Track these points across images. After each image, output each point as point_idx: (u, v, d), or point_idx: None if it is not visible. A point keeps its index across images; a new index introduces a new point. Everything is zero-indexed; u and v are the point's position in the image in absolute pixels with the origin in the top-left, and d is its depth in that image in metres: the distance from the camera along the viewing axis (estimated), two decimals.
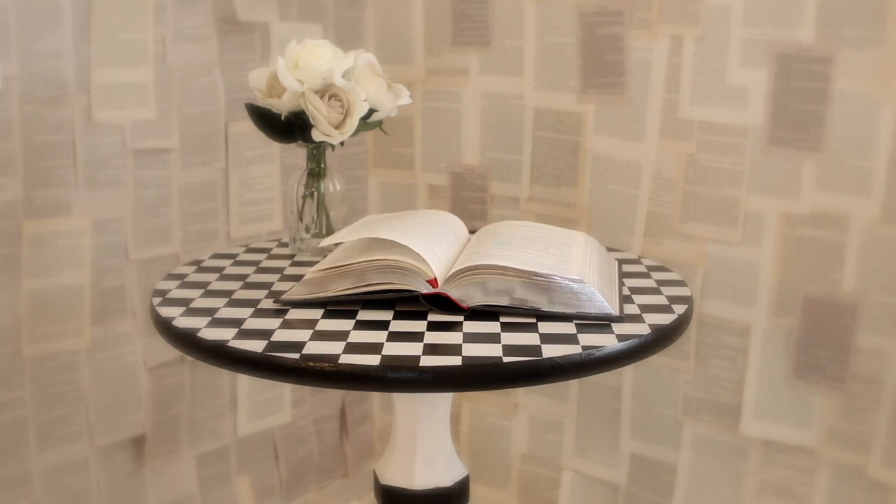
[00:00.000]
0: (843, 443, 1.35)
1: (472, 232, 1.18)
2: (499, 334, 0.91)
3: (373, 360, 0.84)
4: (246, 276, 1.13)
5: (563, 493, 1.64)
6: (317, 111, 1.10)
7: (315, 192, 1.21)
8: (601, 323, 0.94)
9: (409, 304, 0.97)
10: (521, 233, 1.08)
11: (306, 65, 1.11)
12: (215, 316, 0.97)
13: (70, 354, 1.40)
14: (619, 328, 0.93)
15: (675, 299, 1.04)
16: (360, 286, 0.96)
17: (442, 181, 1.71)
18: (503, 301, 0.95)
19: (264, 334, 0.91)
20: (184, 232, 1.52)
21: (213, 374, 1.58)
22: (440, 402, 1.07)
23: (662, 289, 1.09)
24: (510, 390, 1.69)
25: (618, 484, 1.59)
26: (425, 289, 0.94)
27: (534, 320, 0.94)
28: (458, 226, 1.15)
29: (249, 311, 0.98)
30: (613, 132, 1.50)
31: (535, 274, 0.94)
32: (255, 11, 1.55)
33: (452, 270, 0.96)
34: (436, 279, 0.95)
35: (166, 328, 0.96)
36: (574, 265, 0.99)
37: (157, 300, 1.03)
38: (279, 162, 1.64)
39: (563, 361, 0.85)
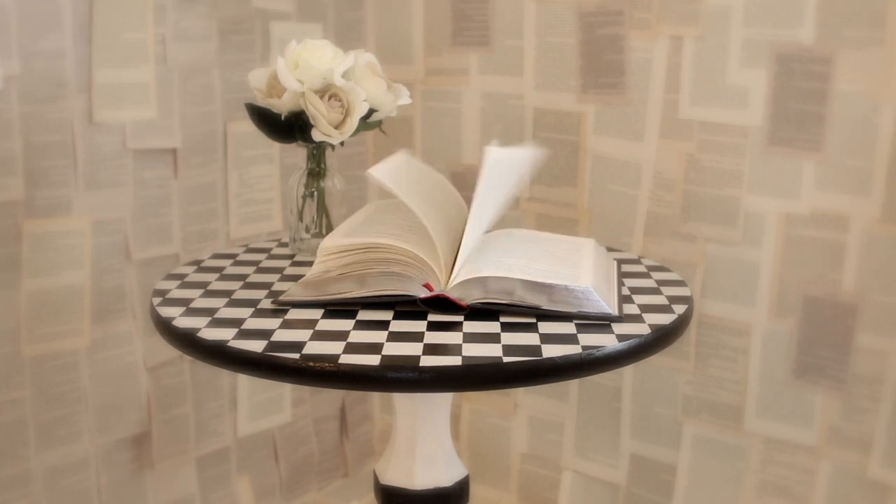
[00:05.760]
0: (844, 443, 1.36)
1: None
2: (499, 334, 0.91)
3: (373, 360, 0.84)
4: (246, 276, 1.13)
5: (563, 493, 1.64)
6: (317, 111, 1.10)
7: (315, 192, 1.21)
8: (601, 323, 0.94)
9: (409, 304, 0.97)
10: (525, 243, 1.08)
11: (306, 65, 1.11)
12: (215, 316, 0.97)
13: (70, 354, 1.40)
14: (619, 328, 0.93)
15: (675, 299, 1.04)
16: (359, 292, 0.96)
17: None
18: (503, 299, 0.95)
19: (264, 334, 0.91)
20: (184, 232, 1.52)
21: (213, 374, 1.58)
22: (440, 402, 1.07)
23: (662, 289, 1.09)
24: (510, 390, 1.69)
25: (618, 484, 1.59)
26: (423, 293, 0.94)
27: (534, 320, 0.94)
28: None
29: (249, 311, 0.98)
30: (613, 132, 1.50)
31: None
32: (270, 1, 1.56)
33: (455, 281, 0.96)
34: (430, 284, 0.95)
35: (166, 328, 0.96)
36: (578, 272, 0.99)
37: (157, 300, 1.03)
38: (279, 162, 1.64)
39: (563, 361, 0.85)
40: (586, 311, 0.95)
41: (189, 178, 1.52)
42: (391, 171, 1.01)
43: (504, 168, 1.04)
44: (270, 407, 1.69)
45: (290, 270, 1.15)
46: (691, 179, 1.43)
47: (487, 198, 1.00)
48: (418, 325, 0.93)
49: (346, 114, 1.12)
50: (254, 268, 1.16)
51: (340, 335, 0.90)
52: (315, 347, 0.87)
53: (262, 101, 1.15)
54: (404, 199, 0.97)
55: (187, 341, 0.92)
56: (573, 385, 1.61)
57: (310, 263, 1.15)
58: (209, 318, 0.96)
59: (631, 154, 1.49)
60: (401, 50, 1.71)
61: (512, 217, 1.63)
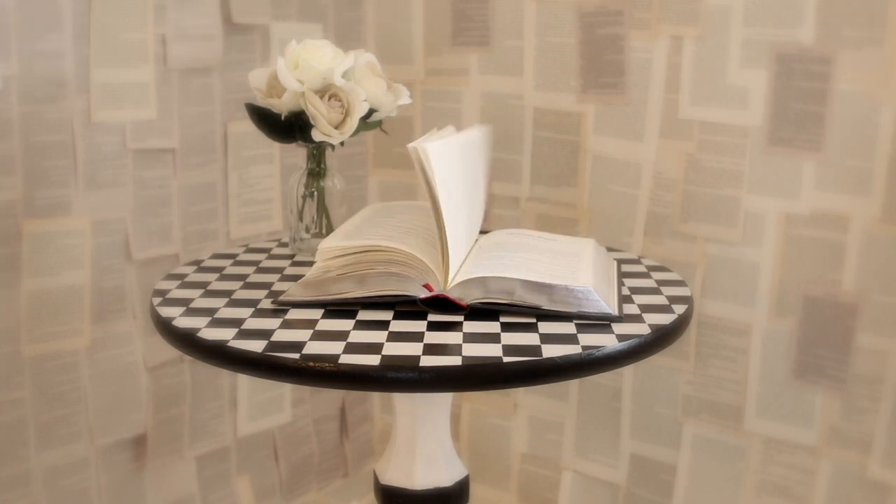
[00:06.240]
0: (844, 442, 1.36)
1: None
2: (499, 334, 0.91)
3: (373, 360, 0.84)
4: (246, 276, 1.13)
5: (563, 493, 1.64)
6: (317, 111, 1.10)
7: (315, 192, 1.21)
8: (601, 323, 0.94)
9: (409, 304, 0.97)
10: (525, 243, 1.08)
11: (306, 65, 1.11)
12: (215, 316, 0.97)
13: (70, 354, 1.40)
14: (619, 328, 0.93)
15: (675, 299, 1.04)
16: (359, 292, 0.96)
17: None
18: (503, 299, 0.95)
19: (264, 334, 0.91)
20: (184, 232, 1.52)
21: (213, 374, 1.58)
22: (440, 402, 1.07)
23: (662, 289, 1.09)
24: (510, 390, 1.69)
25: (618, 484, 1.59)
26: (423, 293, 0.94)
27: (534, 320, 0.94)
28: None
29: (249, 311, 0.98)
30: (613, 132, 1.50)
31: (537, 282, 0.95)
32: (251, 14, 1.55)
33: (455, 282, 0.96)
34: (430, 284, 0.95)
35: (166, 328, 0.96)
36: (577, 272, 0.99)
37: (157, 300, 1.03)
38: (279, 162, 1.64)
39: (563, 361, 0.85)
40: (586, 311, 0.95)
41: (189, 178, 1.52)
42: (441, 157, 0.94)
43: (455, 159, 1.02)
44: (270, 407, 1.69)
45: (290, 270, 1.15)
46: (691, 179, 1.43)
47: (454, 196, 0.98)
48: (418, 325, 0.93)
49: (346, 114, 1.12)
50: (254, 268, 1.16)
51: (340, 335, 0.90)
52: (315, 347, 0.87)
53: (262, 101, 1.15)
54: (438, 191, 0.92)
55: (187, 341, 0.92)
56: (573, 385, 1.61)
57: (310, 263, 1.15)
58: (209, 318, 0.96)
59: (631, 154, 1.49)
60: (401, 50, 1.71)
61: (512, 217, 1.63)
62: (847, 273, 1.32)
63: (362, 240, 0.99)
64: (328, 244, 1.00)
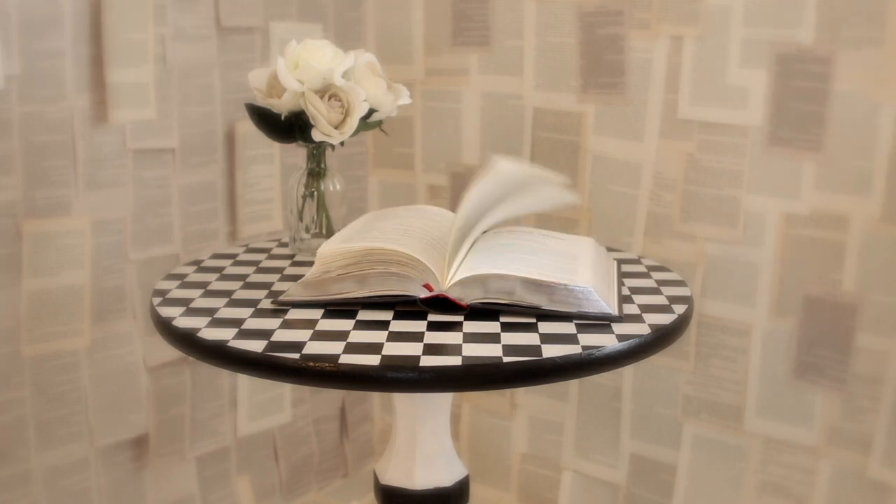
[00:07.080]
0: (844, 442, 1.36)
1: None
2: (499, 334, 0.90)
3: (373, 360, 0.84)
4: (246, 276, 1.13)
5: (563, 493, 1.64)
6: (317, 111, 1.10)
7: (315, 192, 1.21)
8: (601, 323, 0.94)
9: (409, 304, 0.97)
10: (523, 240, 1.08)
11: (306, 65, 1.11)
12: (215, 316, 0.97)
13: (70, 354, 1.40)
14: (619, 328, 0.93)
15: (675, 299, 1.04)
16: (359, 292, 0.96)
17: (442, 181, 1.71)
18: (503, 299, 0.95)
19: (264, 334, 0.91)
20: (184, 232, 1.52)
21: (213, 374, 1.58)
22: (440, 402, 1.07)
23: (662, 289, 1.09)
24: (510, 390, 1.69)
25: (618, 484, 1.59)
26: (423, 293, 0.94)
27: (534, 320, 0.94)
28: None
29: (249, 311, 0.98)
30: (613, 132, 1.50)
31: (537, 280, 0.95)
32: (244, 16, 1.55)
33: (455, 279, 0.96)
34: (430, 284, 0.95)
35: (166, 328, 0.96)
36: (577, 272, 0.99)
37: (157, 300, 1.03)
38: (279, 162, 1.64)
39: (563, 361, 0.85)
40: (586, 311, 0.95)
41: (189, 178, 1.52)
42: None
43: (506, 183, 1.03)
44: (270, 407, 1.69)
45: (290, 270, 1.15)
46: (691, 179, 1.43)
47: (476, 204, 0.99)
48: (418, 325, 0.93)
49: (346, 114, 1.12)
50: (254, 268, 1.16)
51: (340, 335, 0.90)
52: (315, 347, 0.87)
53: (262, 101, 1.15)
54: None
55: (187, 341, 0.92)
56: (573, 385, 1.61)
57: (310, 263, 1.15)
58: (209, 318, 0.96)
59: (631, 154, 1.49)
60: (401, 50, 1.71)
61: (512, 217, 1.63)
62: (847, 273, 1.32)
63: (361, 243, 0.99)
64: (327, 249, 1.00)
